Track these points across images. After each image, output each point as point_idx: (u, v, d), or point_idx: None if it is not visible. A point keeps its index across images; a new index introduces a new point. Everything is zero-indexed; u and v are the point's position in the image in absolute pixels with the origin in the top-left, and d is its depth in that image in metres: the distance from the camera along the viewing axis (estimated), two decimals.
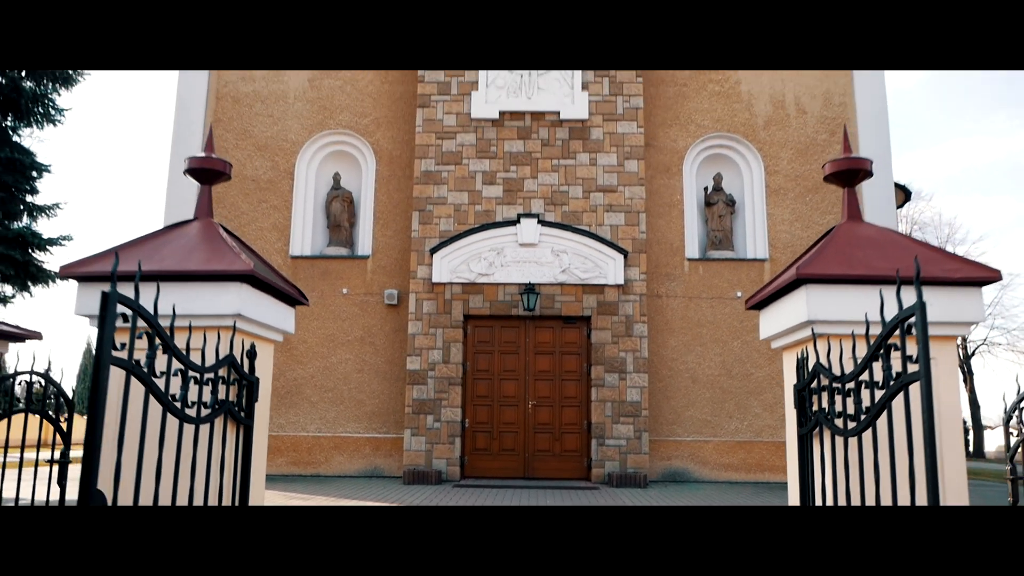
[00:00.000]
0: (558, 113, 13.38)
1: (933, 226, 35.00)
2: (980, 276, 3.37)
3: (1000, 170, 56.81)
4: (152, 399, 2.89)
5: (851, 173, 3.80)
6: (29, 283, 12.21)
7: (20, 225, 12.09)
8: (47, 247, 12.26)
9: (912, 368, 2.50)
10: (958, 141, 58.05)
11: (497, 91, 13.48)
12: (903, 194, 19.86)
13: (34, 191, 12.40)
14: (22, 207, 12.39)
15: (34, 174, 12.11)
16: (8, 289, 12.45)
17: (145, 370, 2.75)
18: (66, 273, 3.50)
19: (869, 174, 3.83)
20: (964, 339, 32.19)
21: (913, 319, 2.40)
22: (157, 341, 2.83)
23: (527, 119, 13.42)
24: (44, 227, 13.49)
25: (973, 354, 31.09)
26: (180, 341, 3.17)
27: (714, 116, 14.27)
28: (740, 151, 14.31)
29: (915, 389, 2.58)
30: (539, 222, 12.79)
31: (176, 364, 2.98)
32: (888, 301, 2.95)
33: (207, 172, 4.03)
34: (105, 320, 2.49)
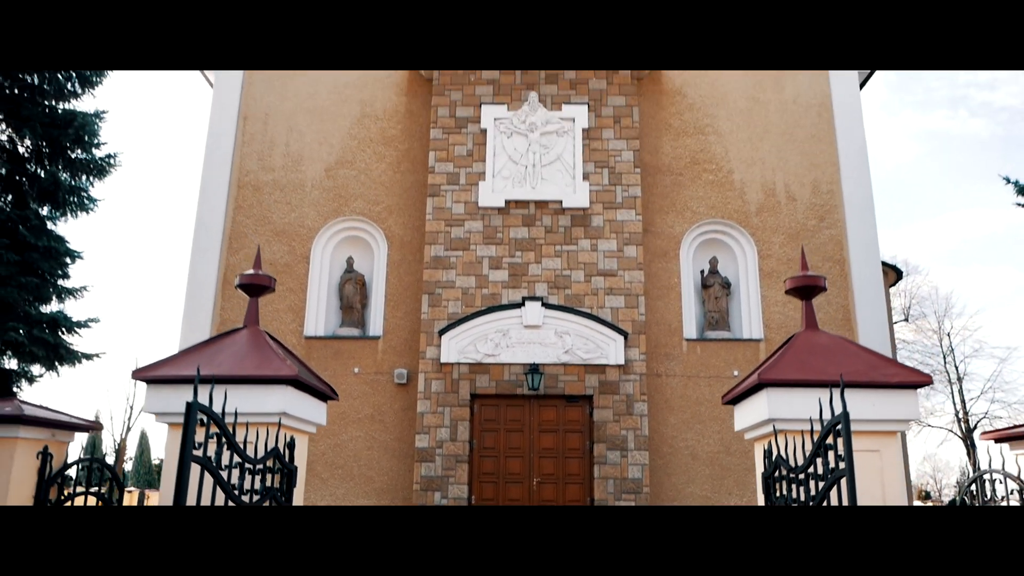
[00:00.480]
0: (560, 202, 14.19)
1: (931, 300, 35.57)
2: (914, 381, 3.96)
3: (1000, 240, 57.67)
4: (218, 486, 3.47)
5: (807, 289, 4.43)
6: (57, 363, 12.84)
7: (52, 309, 12.80)
8: (76, 329, 12.93)
9: (842, 465, 3.08)
10: (958, 212, 59.15)
11: (503, 181, 14.32)
12: (894, 273, 20.55)
13: (65, 276, 13.14)
14: (52, 291, 13.11)
15: (67, 260, 12.87)
16: (37, 368, 13.08)
17: (214, 465, 3.34)
18: (139, 377, 4.11)
19: (823, 289, 4.45)
20: (966, 411, 32.41)
21: (840, 426, 2.99)
22: (223, 439, 3.43)
23: (531, 207, 14.22)
24: (71, 308, 14.19)
25: (975, 428, 31.24)
26: (237, 436, 3.77)
27: (708, 203, 15.06)
28: (734, 236, 15.05)
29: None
30: (543, 305, 13.44)
31: (236, 458, 3.56)
32: (835, 403, 3.53)
33: (255, 287, 4.68)
34: (189, 426, 3.09)
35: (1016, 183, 12.05)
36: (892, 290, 35.28)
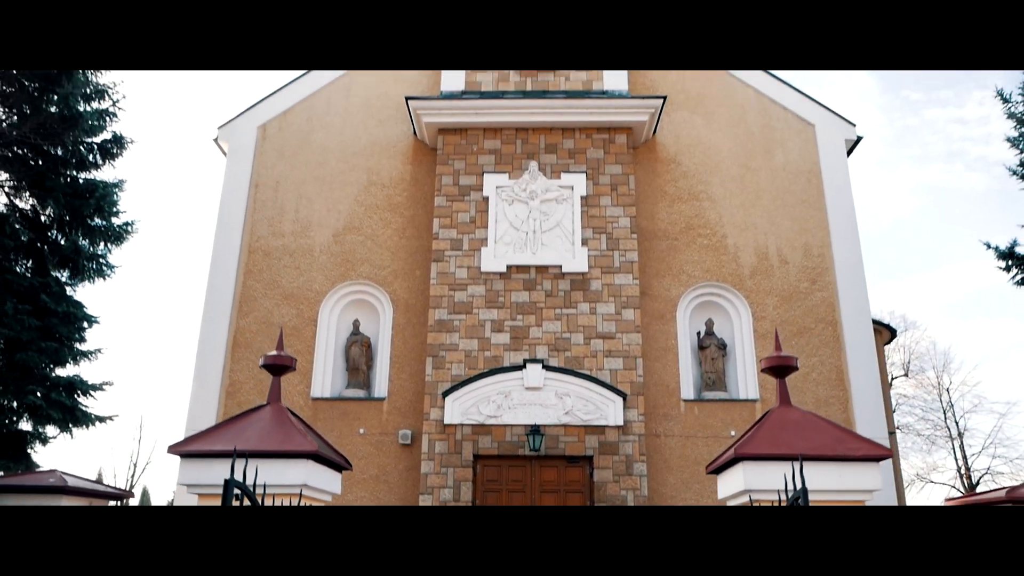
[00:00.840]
0: (560, 267, 14.70)
1: (929, 355, 35.85)
2: (875, 454, 4.37)
3: (999, 292, 57.96)
4: None
5: (781, 368, 4.87)
6: (71, 425, 13.22)
7: (69, 372, 13.24)
8: (91, 392, 13.35)
9: None
10: (957, 265, 59.66)
11: (505, 247, 14.86)
12: (888, 332, 20.96)
13: (82, 339, 13.60)
14: (69, 354, 13.56)
15: (84, 325, 13.35)
16: (51, 430, 13.45)
17: None
18: (175, 452, 4.52)
19: (795, 368, 4.89)
20: (968, 467, 32.43)
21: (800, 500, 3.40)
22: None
23: (532, 272, 14.74)
24: (85, 370, 14.64)
25: (977, 484, 31.24)
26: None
27: (703, 267, 15.57)
28: (729, 298, 15.52)
29: None
30: (544, 367, 13.84)
31: None
32: (806, 475, 3.94)
33: (278, 366, 5.13)
34: (226, 500, 3.51)
35: (996, 248, 12.55)
36: (891, 345, 35.63)
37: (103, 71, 14.22)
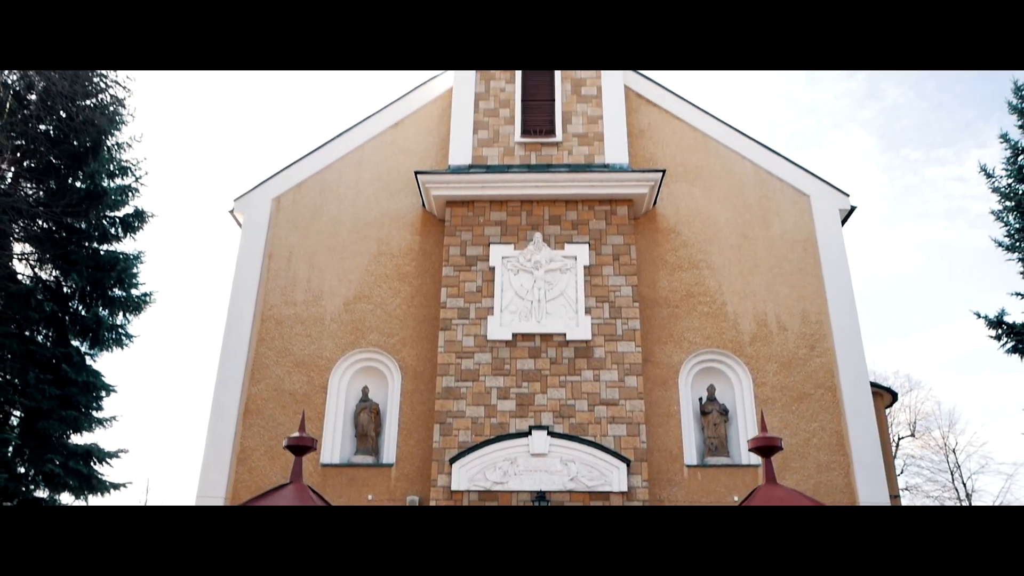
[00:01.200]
0: (564, 335, 15.12)
1: (934, 416, 35.85)
2: None
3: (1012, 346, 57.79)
4: None
5: (767, 448, 5.25)
6: (87, 493, 13.52)
7: (86, 440, 13.63)
8: (107, 460, 13.69)
9: None
10: (961, 322, 59.81)
11: (511, 315, 15.32)
12: (890, 395, 21.20)
13: (99, 408, 14.00)
14: (86, 422, 13.93)
15: (103, 394, 13.77)
16: (66, 497, 13.74)
17: None
18: None
19: (780, 448, 5.27)
20: None
21: None
22: None
23: (537, 340, 15.15)
24: (101, 437, 14.97)
25: None
26: None
27: (704, 334, 15.98)
28: (730, 365, 15.87)
29: None
30: (549, 434, 14.14)
31: None
32: None
33: (300, 447, 5.52)
34: None
35: (986, 317, 12.94)
36: (896, 405, 35.69)
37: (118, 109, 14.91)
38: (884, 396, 20.31)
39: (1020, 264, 13.23)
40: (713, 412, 15.48)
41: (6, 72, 13.07)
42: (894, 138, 66.15)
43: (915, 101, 66.20)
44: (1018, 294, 14.11)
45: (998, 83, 65.63)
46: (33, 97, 13.95)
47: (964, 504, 32.15)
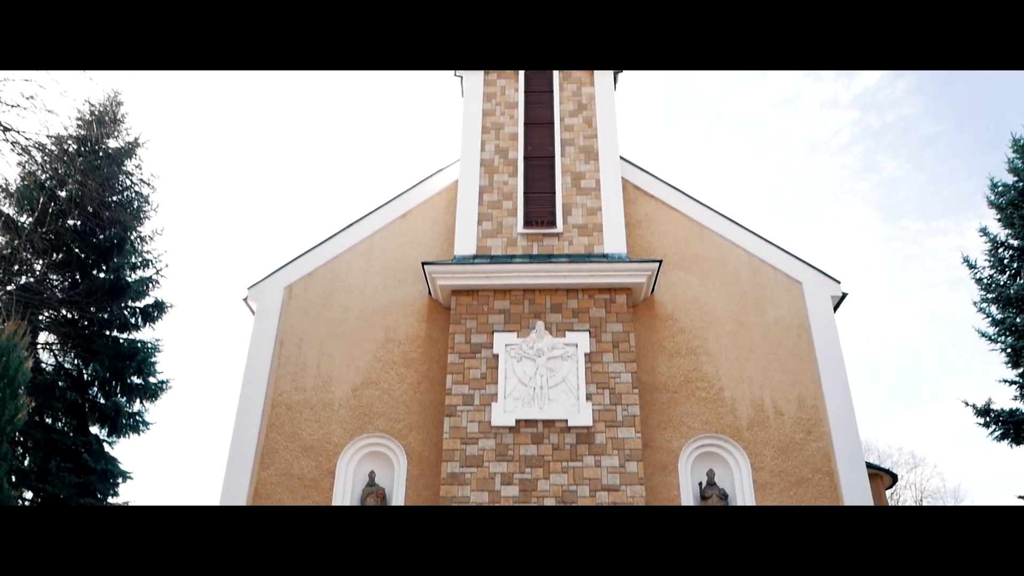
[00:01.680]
0: (566, 420, 15.57)
1: (940, 493, 35.69)
2: None
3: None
4: None
5: None
6: None
7: None
8: None
9: None
10: (971, 393, 59.56)
11: (514, 402, 15.80)
12: (889, 477, 21.39)
13: (116, 495, 14.40)
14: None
15: (119, 480, 14.20)
16: None
17: None
18: None
19: None
20: None
21: None
22: None
23: (540, 426, 15.60)
24: None
25: None
26: None
27: (702, 419, 16.41)
28: (728, 449, 16.25)
29: None
30: None
31: None
32: None
33: None
34: None
35: (974, 406, 13.38)
36: (902, 483, 35.60)
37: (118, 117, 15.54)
38: (884, 478, 20.51)
39: (1003, 355, 13.76)
40: (713, 497, 15.78)
41: (40, 171, 13.95)
42: (893, 210, 67.43)
43: (912, 173, 67.67)
44: (1005, 381, 14.57)
45: (997, 153, 67.08)
46: (63, 194, 14.78)
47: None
